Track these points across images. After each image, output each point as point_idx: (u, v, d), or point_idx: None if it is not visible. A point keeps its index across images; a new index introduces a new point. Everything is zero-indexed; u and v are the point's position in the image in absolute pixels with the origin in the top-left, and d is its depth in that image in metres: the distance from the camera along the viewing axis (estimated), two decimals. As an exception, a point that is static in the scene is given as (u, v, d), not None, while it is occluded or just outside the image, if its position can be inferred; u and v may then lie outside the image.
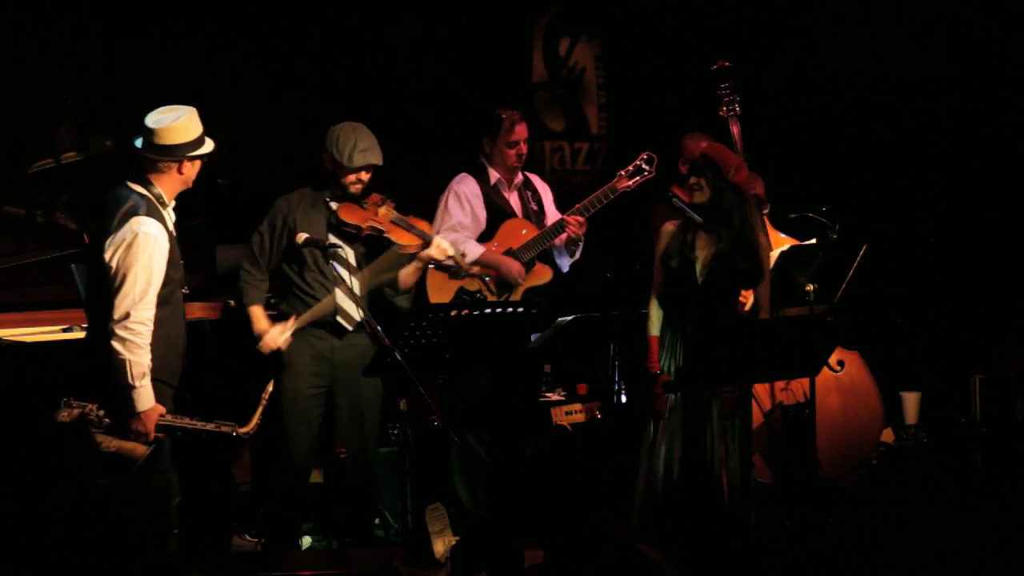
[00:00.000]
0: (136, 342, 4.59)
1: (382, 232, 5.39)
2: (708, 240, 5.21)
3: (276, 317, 5.45)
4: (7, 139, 6.19)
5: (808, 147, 7.79)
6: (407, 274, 5.48)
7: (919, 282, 7.68)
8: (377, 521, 5.93)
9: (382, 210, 5.41)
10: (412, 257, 5.45)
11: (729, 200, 5.20)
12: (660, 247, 5.31)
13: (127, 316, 4.59)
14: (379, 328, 5.03)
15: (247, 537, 5.93)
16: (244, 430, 4.76)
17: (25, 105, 6.31)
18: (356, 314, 5.35)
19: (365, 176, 5.37)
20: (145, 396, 4.60)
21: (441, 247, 5.44)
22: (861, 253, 5.93)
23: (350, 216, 5.38)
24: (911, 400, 7.42)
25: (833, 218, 6.24)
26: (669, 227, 5.32)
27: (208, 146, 4.82)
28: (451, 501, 5.86)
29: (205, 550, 5.60)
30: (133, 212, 4.66)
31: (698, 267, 5.20)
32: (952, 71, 7.71)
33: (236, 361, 5.56)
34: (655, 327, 5.30)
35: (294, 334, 5.36)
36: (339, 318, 5.39)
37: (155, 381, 4.71)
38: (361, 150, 5.31)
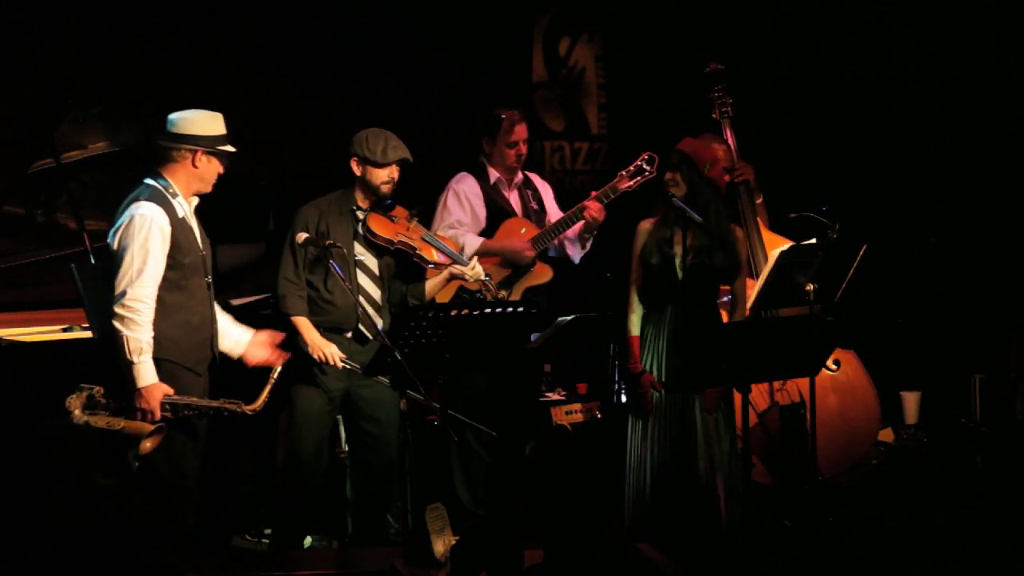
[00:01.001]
0: (133, 319, 4.64)
1: (414, 249, 5.41)
2: (687, 236, 5.24)
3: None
4: (7, 139, 6.19)
5: (808, 147, 7.79)
6: (434, 286, 5.51)
7: (919, 282, 7.68)
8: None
9: (412, 225, 5.44)
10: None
11: (705, 195, 5.26)
12: (638, 245, 5.34)
13: (124, 294, 4.66)
14: (379, 328, 5.03)
15: (247, 537, 5.93)
16: (251, 407, 4.80)
17: (25, 105, 6.31)
18: (378, 321, 5.36)
19: (396, 174, 5.37)
20: (144, 372, 4.64)
21: (476, 271, 5.46)
22: (861, 253, 5.92)
23: (381, 229, 5.39)
24: (911, 400, 7.41)
25: (833, 218, 6.24)
26: (646, 225, 5.36)
27: (226, 146, 4.86)
28: (451, 501, 5.86)
29: (205, 550, 5.60)
30: (134, 199, 4.75)
31: (677, 263, 5.23)
32: (952, 70, 7.71)
33: (236, 361, 5.55)
34: (635, 327, 5.35)
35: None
36: (361, 327, 5.38)
37: (177, 367, 4.77)
38: (393, 147, 5.33)
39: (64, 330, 5.68)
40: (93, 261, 5.49)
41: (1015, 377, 7.43)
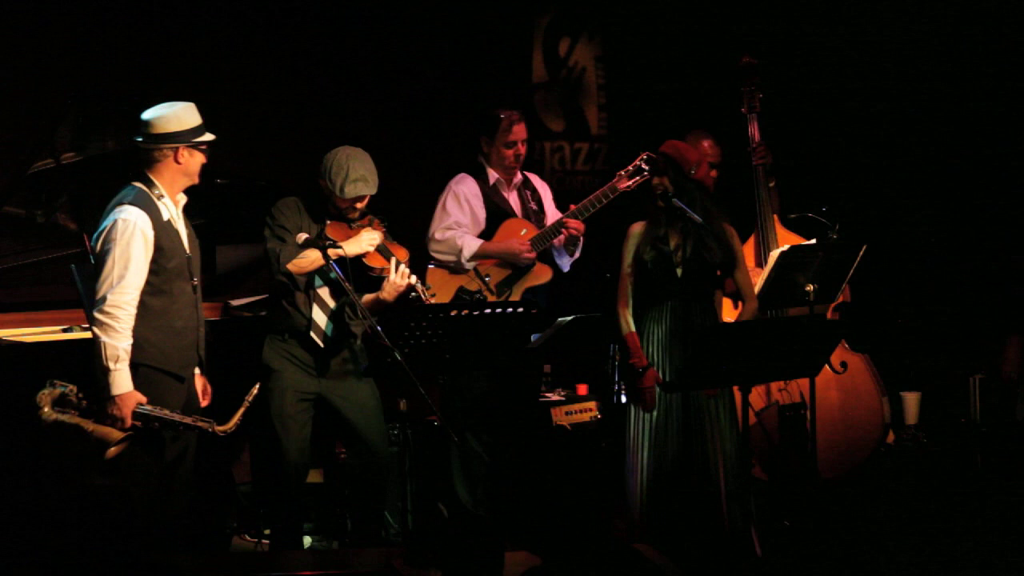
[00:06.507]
0: (112, 325, 4.64)
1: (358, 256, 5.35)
2: (680, 234, 5.27)
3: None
4: (7, 139, 6.20)
5: (807, 148, 7.79)
6: (367, 300, 5.35)
7: (919, 282, 7.68)
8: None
9: (367, 231, 5.36)
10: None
11: (690, 196, 5.30)
12: (629, 247, 5.39)
13: (104, 300, 4.66)
14: (379, 328, 5.02)
15: (247, 537, 5.93)
16: (222, 428, 4.79)
17: (25, 105, 6.31)
18: (330, 330, 5.34)
19: (360, 204, 5.34)
20: (119, 380, 4.64)
21: (402, 271, 5.31)
22: (861, 253, 5.93)
23: (334, 234, 5.34)
24: (911, 400, 7.41)
25: (833, 218, 6.25)
26: (637, 227, 5.40)
27: (206, 136, 4.84)
28: (451, 501, 5.86)
29: (205, 550, 5.60)
30: (119, 202, 4.76)
31: (675, 260, 5.27)
32: (954, 70, 7.71)
33: (237, 361, 5.56)
34: (630, 324, 5.37)
35: (274, 346, 5.37)
36: (312, 334, 5.36)
37: (155, 371, 4.76)
38: (353, 180, 5.25)
39: (64, 330, 5.69)
40: (93, 261, 5.48)
41: (1015, 377, 7.43)
